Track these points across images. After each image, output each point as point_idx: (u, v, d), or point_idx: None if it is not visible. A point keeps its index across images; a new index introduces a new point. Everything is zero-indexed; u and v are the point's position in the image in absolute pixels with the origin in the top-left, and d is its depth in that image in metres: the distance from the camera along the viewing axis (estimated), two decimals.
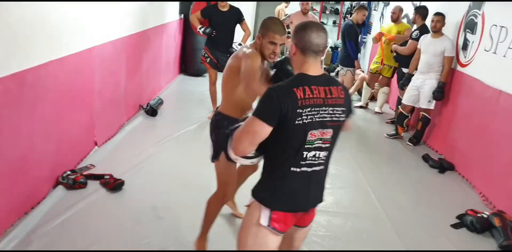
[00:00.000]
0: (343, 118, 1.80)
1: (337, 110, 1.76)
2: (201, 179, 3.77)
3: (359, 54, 6.51)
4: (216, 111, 2.60)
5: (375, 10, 7.89)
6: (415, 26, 5.45)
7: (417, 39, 5.11)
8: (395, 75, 5.89)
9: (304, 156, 1.74)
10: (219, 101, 5.19)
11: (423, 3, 5.63)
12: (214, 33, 5.07)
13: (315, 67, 1.75)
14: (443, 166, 4.52)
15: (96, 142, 4.11)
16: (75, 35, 3.45)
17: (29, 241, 2.71)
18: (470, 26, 4.50)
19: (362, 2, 8.27)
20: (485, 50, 4.10)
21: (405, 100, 5.15)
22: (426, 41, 4.85)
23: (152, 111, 5.33)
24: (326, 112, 1.73)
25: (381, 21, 7.56)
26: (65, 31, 3.28)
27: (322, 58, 6.11)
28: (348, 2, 9.29)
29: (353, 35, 5.87)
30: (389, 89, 6.25)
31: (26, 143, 2.88)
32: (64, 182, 3.37)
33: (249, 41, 3.26)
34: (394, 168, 4.60)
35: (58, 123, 3.28)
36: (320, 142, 1.75)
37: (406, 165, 4.69)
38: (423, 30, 5.18)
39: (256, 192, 1.85)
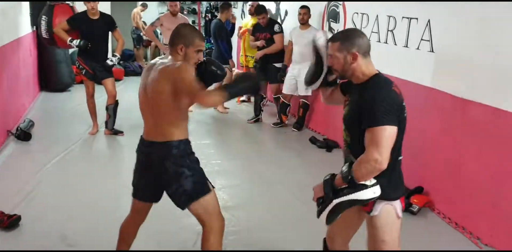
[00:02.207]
0: None
1: None
2: (104, 198, 3.55)
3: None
4: (164, 144, 2.17)
5: (234, 7, 8.14)
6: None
7: (282, 31, 5.46)
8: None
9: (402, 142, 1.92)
10: (99, 115, 5.08)
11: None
12: (89, 46, 4.72)
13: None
14: (329, 145, 4.92)
15: None
16: None
17: None
18: (333, 15, 4.94)
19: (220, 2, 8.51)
20: None
21: (285, 90, 5.47)
22: (296, 33, 5.21)
23: (24, 136, 4.78)
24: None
25: (242, 18, 7.85)
26: None
27: None
28: (206, 2, 9.42)
29: (224, 35, 6.00)
30: None
31: None
32: None
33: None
34: (287, 153, 4.87)
35: None
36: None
37: (297, 149, 4.99)
38: (276, 21, 5.63)
39: (383, 192, 1.83)
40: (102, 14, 4.88)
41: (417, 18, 3.54)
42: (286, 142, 5.29)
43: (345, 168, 1.84)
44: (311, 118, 5.61)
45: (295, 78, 5.32)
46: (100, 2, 4.83)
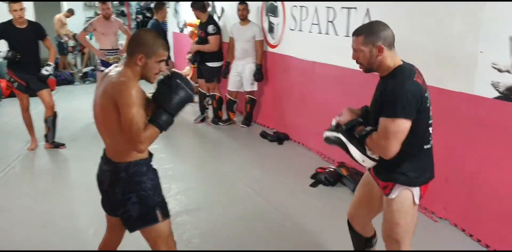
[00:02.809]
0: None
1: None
2: (58, 217, 3.35)
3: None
4: (115, 165, 1.96)
5: (167, 7, 7.99)
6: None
7: (217, 33, 5.35)
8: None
9: (430, 132, 1.97)
10: (36, 128, 4.78)
11: None
12: (19, 56, 4.42)
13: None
14: (280, 138, 4.98)
15: None
16: None
17: None
18: (271, 10, 4.97)
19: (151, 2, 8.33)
20: (290, 29, 4.62)
21: (230, 87, 5.44)
22: (236, 29, 5.19)
23: None
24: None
25: (176, 17, 7.70)
26: None
27: None
28: (134, 2, 9.14)
29: (162, 35, 5.83)
30: None
31: None
32: None
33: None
34: (240, 149, 4.87)
35: None
36: (431, 119, 1.97)
37: (249, 145, 5.00)
38: (213, 22, 5.42)
39: (403, 178, 1.95)
40: (30, 23, 4.58)
41: (356, 8, 3.64)
42: (237, 138, 5.27)
43: (368, 129, 1.93)
44: (259, 113, 5.63)
45: (239, 75, 5.31)
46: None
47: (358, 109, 2.13)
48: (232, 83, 5.40)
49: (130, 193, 1.96)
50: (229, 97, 5.53)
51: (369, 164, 1.96)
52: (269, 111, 5.43)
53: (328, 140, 2.07)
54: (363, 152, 1.92)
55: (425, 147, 1.98)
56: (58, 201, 3.63)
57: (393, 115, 1.81)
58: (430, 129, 1.98)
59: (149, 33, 1.95)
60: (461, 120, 2.89)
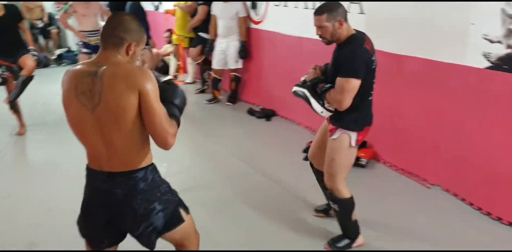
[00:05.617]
0: None
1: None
2: None
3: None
4: (128, 176, 1.70)
5: None
6: None
7: (205, 3, 5.34)
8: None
9: (372, 87, 2.31)
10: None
11: None
12: None
13: None
14: (267, 114, 5.03)
15: None
16: None
17: None
18: None
19: None
20: (275, 5, 4.59)
21: (215, 65, 5.41)
22: (219, 7, 5.12)
23: None
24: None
25: None
26: None
27: None
28: None
29: (143, 15, 5.73)
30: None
31: None
32: None
33: None
34: (229, 127, 4.89)
35: None
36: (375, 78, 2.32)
37: (238, 122, 5.03)
38: None
39: (345, 124, 2.33)
40: (6, 7, 4.39)
41: None
42: (225, 117, 5.29)
43: (327, 86, 2.29)
44: (244, 91, 5.65)
45: (224, 53, 5.28)
46: None
47: (322, 66, 2.47)
48: (217, 61, 5.37)
49: (152, 203, 1.74)
50: (214, 75, 5.52)
51: (326, 114, 2.36)
52: (254, 88, 5.45)
53: (295, 93, 2.41)
54: (322, 104, 2.31)
55: (369, 98, 2.33)
56: None
57: (346, 76, 2.17)
58: (373, 85, 2.32)
59: (133, 18, 1.71)
60: (453, 90, 3.00)
